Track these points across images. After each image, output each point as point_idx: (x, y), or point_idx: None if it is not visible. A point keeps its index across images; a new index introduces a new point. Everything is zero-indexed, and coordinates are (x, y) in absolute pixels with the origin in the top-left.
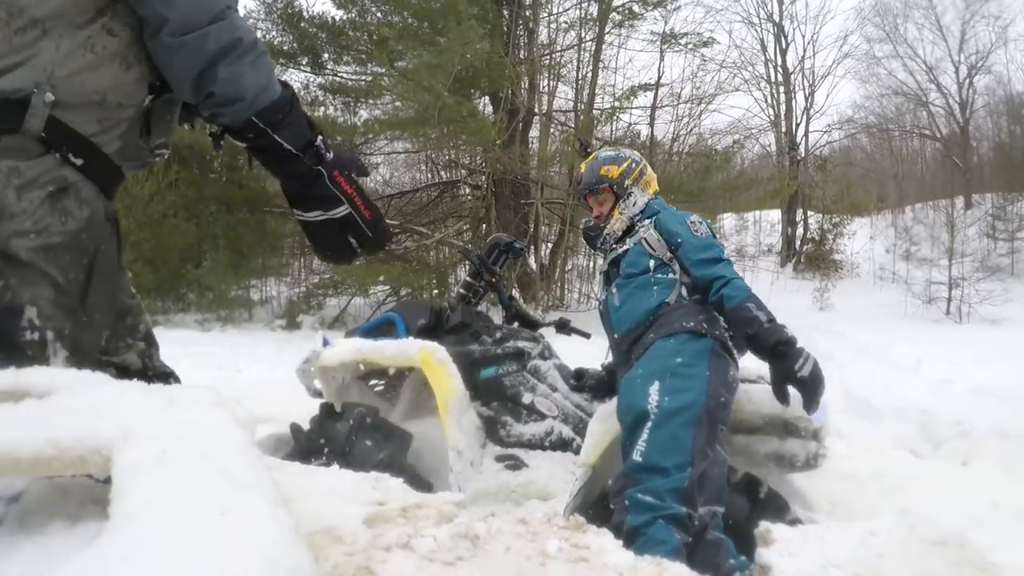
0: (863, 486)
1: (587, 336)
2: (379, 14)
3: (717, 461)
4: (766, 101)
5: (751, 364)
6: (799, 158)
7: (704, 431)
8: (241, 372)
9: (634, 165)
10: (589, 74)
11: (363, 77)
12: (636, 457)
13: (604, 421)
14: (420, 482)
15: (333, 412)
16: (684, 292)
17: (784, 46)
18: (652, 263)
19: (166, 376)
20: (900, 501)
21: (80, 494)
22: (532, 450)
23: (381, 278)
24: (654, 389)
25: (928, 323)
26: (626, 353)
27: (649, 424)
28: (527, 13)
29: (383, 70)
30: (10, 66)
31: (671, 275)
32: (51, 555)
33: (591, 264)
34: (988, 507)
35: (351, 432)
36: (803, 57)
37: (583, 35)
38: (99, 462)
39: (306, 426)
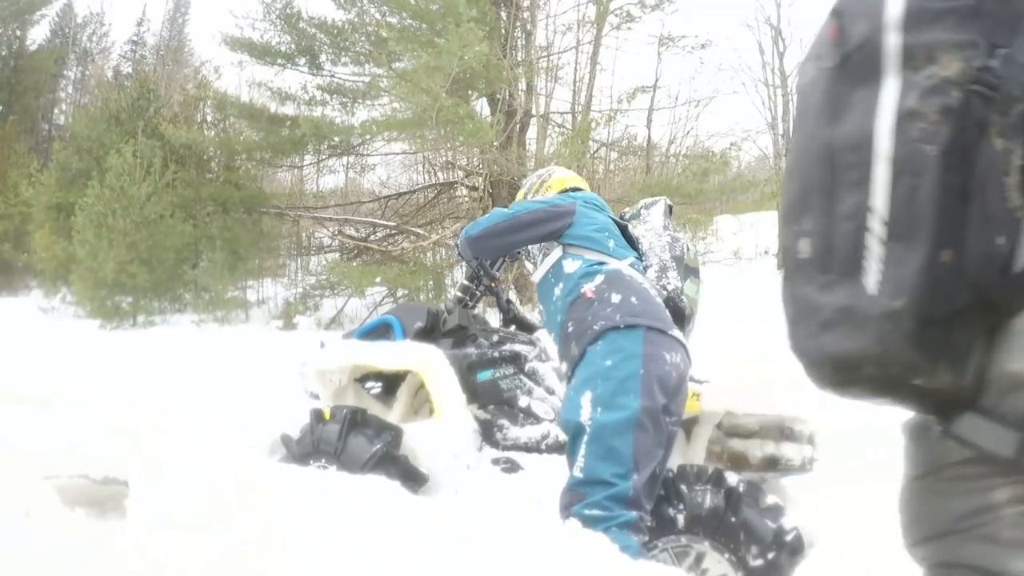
0: (858, 490)
1: None
2: (377, 15)
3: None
4: (763, 104)
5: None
6: None
7: (648, 435)
8: (237, 374)
9: (534, 182)
10: (587, 76)
11: (361, 78)
12: (576, 472)
13: None
14: (416, 475)
15: (323, 417)
16: (582, 270)
17: (782, 49)
18: (540, 255)
19: None
20: (896, 507)
21: (77, 495)
22: (528, 453)
23: (378, 279)
24: (586, 400)
25: None
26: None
27: (585, 438)
28: (525, 15)
29: (381, 71)
30: None
31: (553, 257)
32: (48, 549)
33: None
34: None
35: (342, 431)
36: (801, 60)
37: (581, 37)
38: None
39: (296, 433)
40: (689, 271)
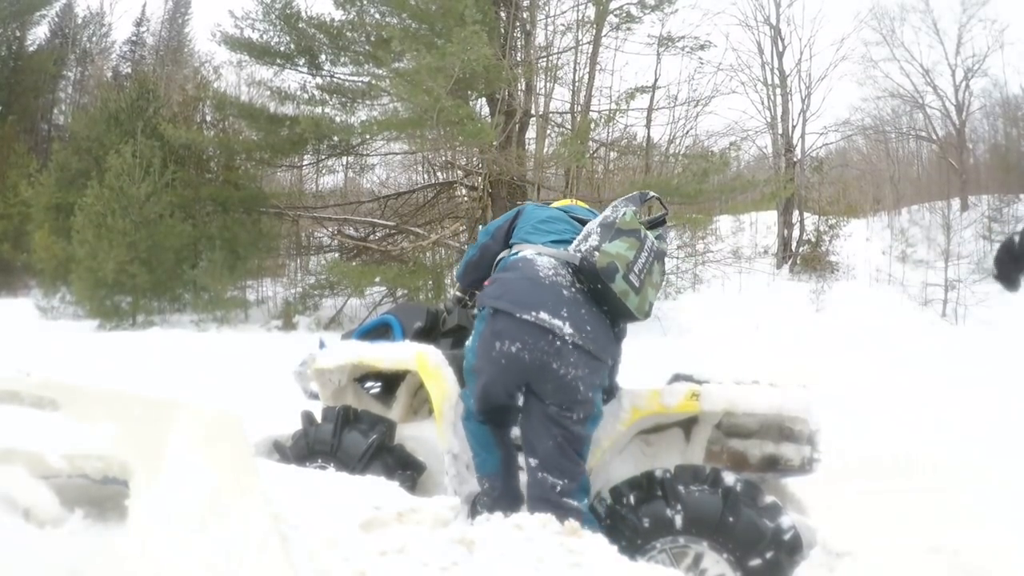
0: (858, 491)
1: None
2: (377, 15)
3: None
4: (763, 103)
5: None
6: (795, 160)
7: (477, 381)
8: (237, 374)
9: None
10: (586, 76)
11: (360, 78)
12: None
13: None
14: (413, 463)
15: (314, 419)
16: (502, 263)
17: (781, 49)
18: None
19: None
20: (896, 508)
21: (77, 495)
22: None
23: (377, 279)
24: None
25: (924, 325)
26: None
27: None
28: (524, 15)
29: (382, 71)
30: None
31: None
32: (48, 549)
33: None
34: (982, 513)
35: (336, 429)
36: (800, 60)
37: (580, 37)
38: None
39: (289, 436)
40: (620, 232)
